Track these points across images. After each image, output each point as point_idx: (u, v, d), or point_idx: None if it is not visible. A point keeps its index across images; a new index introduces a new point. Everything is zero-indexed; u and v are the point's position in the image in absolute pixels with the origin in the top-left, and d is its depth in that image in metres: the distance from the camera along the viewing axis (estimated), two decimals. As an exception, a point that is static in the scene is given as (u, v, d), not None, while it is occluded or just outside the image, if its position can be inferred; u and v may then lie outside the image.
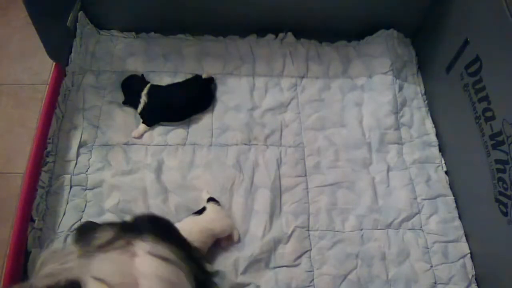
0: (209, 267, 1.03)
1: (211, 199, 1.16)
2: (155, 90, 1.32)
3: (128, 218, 0.77)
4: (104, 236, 0.66)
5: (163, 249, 0.67)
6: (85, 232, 0.70)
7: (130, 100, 1.33)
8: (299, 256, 1.15)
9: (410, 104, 1.42)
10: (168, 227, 0.84)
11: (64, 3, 1.37)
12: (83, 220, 1.16)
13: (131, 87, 1.34)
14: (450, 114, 1.33)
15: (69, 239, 1.12)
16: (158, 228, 0.73)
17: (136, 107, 1.31)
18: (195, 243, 1.03)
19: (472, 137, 1.16)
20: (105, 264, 0.62)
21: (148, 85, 1.32)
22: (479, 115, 1.13)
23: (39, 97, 1.45)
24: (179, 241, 0.80)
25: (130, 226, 0.72)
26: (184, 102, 1.33)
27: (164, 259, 0.65)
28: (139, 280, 0.61)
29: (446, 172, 1.31)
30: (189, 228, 1.06)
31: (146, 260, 0.64)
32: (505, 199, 1.04)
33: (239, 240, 1.15)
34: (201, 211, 1.13)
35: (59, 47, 1.36)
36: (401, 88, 1.43)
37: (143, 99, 1.29)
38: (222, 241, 1.14)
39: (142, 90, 1.31)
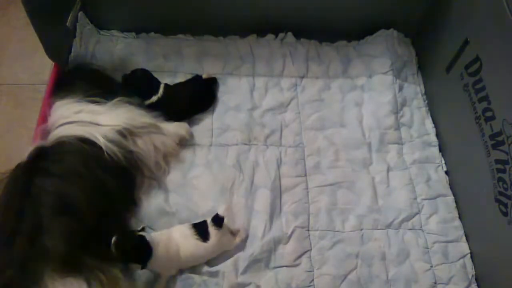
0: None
1: (215, 220, 1.07)
2: (169, 88, 1.32)
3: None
4: None
5: None
6: None
7: (144, 89, 1.28)
8: (299, 256, 1.14)
9: (410, 104, 1.42)
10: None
11: (64, 3, 1.37)
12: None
13: (147, 78, 1.31)
14: (450, 114, 1.33)
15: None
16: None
17: (145, 97, 1.27)
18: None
19: (472, 137, 1.16)
20: None
21: (163, 83, 1.32)
22: (479, 115, 1.13)
23: (39, 97, 1.45)
24: None
25: None
26: (188, 102, 1.33)
27: None
28: None
29: (446, 172, 1.31)
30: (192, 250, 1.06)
31: None
32: (505, 199, 1.04)
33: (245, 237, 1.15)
34: (201, 228, 1.08)
35: (58, 47, 1.36)
36: (401, 88, 1.43)
37: (160, 91, 1.28)
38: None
39: (160, 83, 1.30)
